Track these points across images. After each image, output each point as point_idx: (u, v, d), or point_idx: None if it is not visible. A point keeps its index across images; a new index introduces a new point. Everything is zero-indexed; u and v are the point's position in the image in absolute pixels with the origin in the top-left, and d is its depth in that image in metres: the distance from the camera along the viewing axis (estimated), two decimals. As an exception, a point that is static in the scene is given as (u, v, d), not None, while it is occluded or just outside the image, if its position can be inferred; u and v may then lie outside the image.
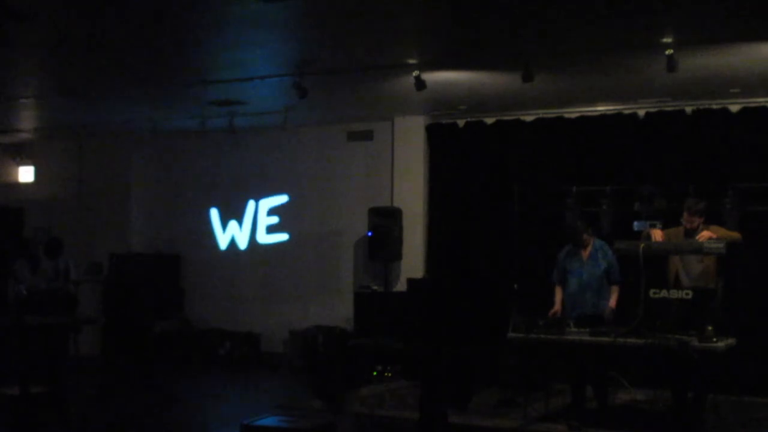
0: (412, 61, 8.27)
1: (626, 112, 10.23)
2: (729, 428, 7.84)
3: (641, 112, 10.16)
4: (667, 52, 7.48)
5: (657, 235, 7.91)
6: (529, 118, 10.78)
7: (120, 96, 10.09)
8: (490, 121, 11.02)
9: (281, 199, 12.34)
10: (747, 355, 8.54)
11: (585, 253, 8.27)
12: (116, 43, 7.77)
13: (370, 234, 11.26)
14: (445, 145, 11.30)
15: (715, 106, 9.80)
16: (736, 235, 7.89)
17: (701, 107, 9.85)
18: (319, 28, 7.37)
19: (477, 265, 10.62)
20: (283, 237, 12.32)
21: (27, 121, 12.27)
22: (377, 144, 11.76)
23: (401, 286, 11.09)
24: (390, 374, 10.48)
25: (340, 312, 11.66)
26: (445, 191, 11.30)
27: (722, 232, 7.84)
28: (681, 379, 7.48)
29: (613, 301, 8.18)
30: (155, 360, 11.83)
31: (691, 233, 7.84)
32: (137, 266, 12.71)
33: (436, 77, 8.71)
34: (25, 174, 14.12)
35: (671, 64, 7.59)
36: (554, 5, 6.65)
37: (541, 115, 10.69)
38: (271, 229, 12.41)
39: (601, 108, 10.35)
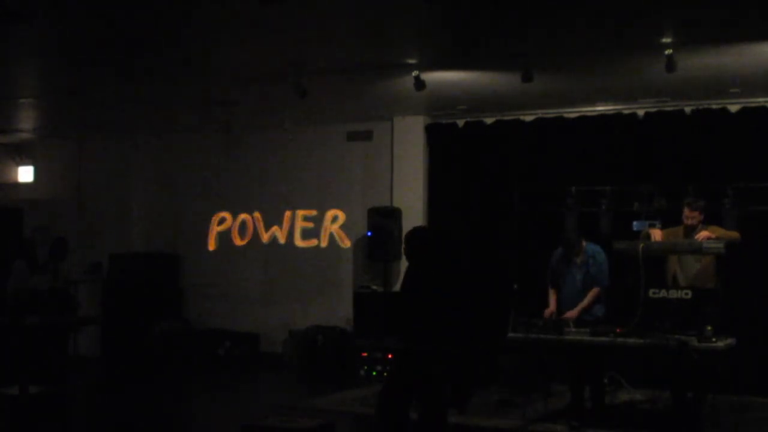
0: (411, 61, 8.28)
1: (626, 112, 10.23)
2: (729, 428, 7.85)
3: (641, 112, 10.16)
4: (666, 52, 7.49)
5: (656, 234, 7.92)
6: (529, 118, 10.78)
7: (120, 96, 10.09)
8: (489, 121, 11.02)
9: (280, 198, 12.36)
10: (747, 355, 8.56)
11: (578, 259, 8.22)
12: (116, 43, 7.77)
13: (370, 234, 11.27)
14: (445, 145, 11.30)
15: (714, 106, 9.81)
16: (735, 234, 7.90)
17: (701, 107, 9.85)
18: (319, 28, 7.37)
19: (476, 265, 10.62)
20: (282, 236, 12.35)
21: (27, 121, 12.27)
22: (377, 144, 11.76)
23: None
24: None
25: (340, 312, 11.66)
26: (445, 191, 11.30)
27: (721, 231, 7.86)
28: (681, 379, 7.48)
29: (585, 302, 8.07)
30: (155, 360, 11.83)
31: (690, 232, 7.85)
32: (137, 266, 12.70)
33: (436, 77, 8.72)
34: (25, 174, 14.12)
35: (670, 64, 7.60)
36: (554, 5, 6.65)
37: (540, 115, 10.69)
38: (271, 229, 12.43)
39: (601, 108, 10.35)
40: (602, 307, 8.18)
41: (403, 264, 11.28)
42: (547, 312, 8.22)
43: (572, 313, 8.05)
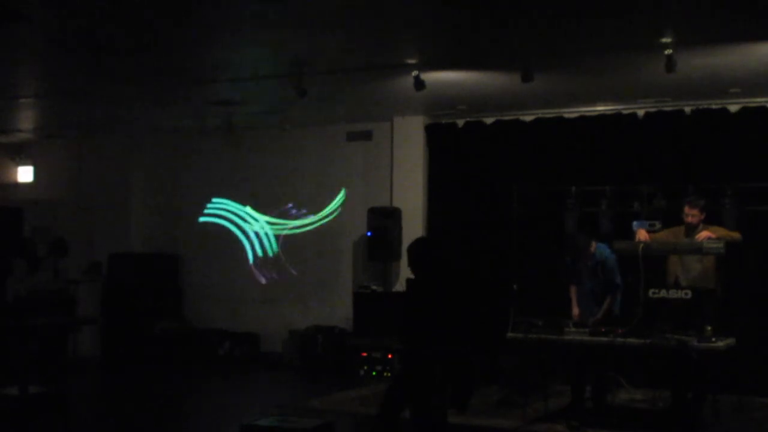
0: (411, 61, 8.27)
1: (625, 112, 10.23)
2: (729, 428, 7.85)
3: (640, 112, 10.16)
4: (666, 52, 7.48)
5: (641, 234, 7.91)
6: (528, 118, 10.78)
7: (120, 96, 10.08)
8: (489, 121, 11.02)
9: (280, 198, 12.36)
10: (747, 355, 8.54)
11: (589, 262, 8.16)
12: (116, 43, 7.77)
13: (369, 234, 11.27)
14: (445, 145, 11.30)
15: (714, 106, 9.81)
16: (736, 235, 7.90)
17: (700, 107, 9.86)
18: (319, 28, 7.37)
19: (476, 265, 10.62)
20: (281, 237, 12.35)
21: (27, 121, 12.27)
22: (376, 144, 11.77)
23: (401, 286, 11.11)
24: (390, 374, 10.49)
25: (339, 312, 11.67)
26: (444, 191, 11.30)
27: (722, 232, 7.85)
28: (681, 379, 7.49)
29: (600, 314, 8.00)
30: (155, 360, 11.83)
31: (691, 232, 7.85)
32: (137, 266, 12.71)
33: (436, 77, 8.71)
34: (25, 174, 14.12)
35: (670, 64, 7.59)
36: (554, 5, 6.65)
37: (540, 115, 10.69)
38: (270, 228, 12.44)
39: (601, 108, 10.35)
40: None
41: (403, 264, 11.31)
42: (575, 313, 8.15)
43: (597, 319, 7.98)
